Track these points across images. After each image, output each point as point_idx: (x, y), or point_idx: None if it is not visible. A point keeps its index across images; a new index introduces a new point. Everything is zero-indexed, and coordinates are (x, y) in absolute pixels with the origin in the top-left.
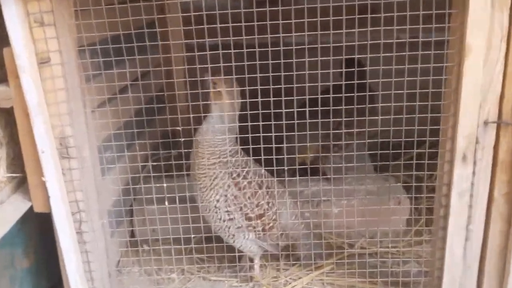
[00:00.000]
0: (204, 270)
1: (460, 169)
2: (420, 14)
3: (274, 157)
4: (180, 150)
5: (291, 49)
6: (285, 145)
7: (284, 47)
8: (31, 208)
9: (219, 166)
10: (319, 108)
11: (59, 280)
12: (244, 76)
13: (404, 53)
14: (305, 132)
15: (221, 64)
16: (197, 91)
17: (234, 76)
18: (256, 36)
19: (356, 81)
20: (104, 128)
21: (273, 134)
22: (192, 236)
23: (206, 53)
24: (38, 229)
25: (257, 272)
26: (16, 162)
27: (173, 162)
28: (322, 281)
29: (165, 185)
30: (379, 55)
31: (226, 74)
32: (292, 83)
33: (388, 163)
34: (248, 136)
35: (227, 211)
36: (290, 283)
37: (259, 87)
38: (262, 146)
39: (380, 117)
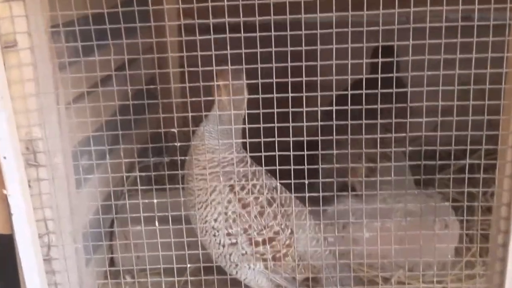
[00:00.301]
0: None
1: None
2: None
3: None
4: (175, 157)
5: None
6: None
7: (306, 30)
8: None
9: (218, 177)
10: (364, 107)
11: None
12: (256, 66)
13: (454, 40)
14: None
15: (228, 51)
16: (197, 84)
17: (244, 66)
18: (271, 17)
19: (394, 74)
20: (81, 129)
21: (305, 138)
22: (188, 266)
23: (209, 37)
24: None
25: None
26: None
27: (166, 172)
28: None
29: (155, 201)
30: (424, 41)
31: (232, 63)
32: (316, 75)
33: (433, 176)
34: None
35: (228, 234)
36: None
37: (274, 80)
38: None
39: (424, 119)
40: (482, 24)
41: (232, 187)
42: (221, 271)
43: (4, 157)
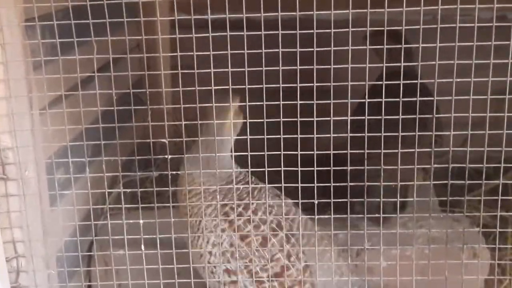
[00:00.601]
0: None
1: None
2: None
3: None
4: (164, 172)
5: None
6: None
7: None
8: None
9: (204, 197)
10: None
11: None
12: (261, 68)
13: (488, 43)
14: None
15: (228, 52)
16: (192, 88)
17: (246, 69)
18: (279, 13)
19: (419, 81)
20: (57, 137)
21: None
22: None
23: (207, 34)
24: None
25: None
26: None
27: (154, 188)
28: None
29: (141, 221)
30: (453, 44)
31: (233, 65)
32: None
33: (461, 198)
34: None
35: (227, 270)
36: None
37: (281, 84)
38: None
39: (452, 132)
40: None
41: (224, 212)
42: None
43: None
